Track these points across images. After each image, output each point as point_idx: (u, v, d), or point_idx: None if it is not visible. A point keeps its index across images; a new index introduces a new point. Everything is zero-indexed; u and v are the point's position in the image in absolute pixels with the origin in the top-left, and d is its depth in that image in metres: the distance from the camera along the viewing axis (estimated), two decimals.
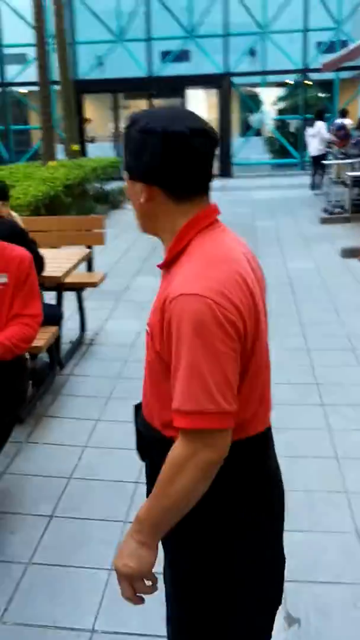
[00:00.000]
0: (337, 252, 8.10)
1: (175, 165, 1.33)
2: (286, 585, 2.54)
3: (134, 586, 1.37)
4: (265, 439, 1.49)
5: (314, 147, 12.92)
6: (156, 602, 2.23)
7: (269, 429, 1.51)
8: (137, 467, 3.31)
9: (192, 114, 1.39)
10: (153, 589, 1.39)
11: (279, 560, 1.60)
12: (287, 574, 2.58)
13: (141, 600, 1.40)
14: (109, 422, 3.86)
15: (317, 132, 12.75)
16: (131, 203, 1.46)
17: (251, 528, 1.46)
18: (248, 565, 1.47)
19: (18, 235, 3.60)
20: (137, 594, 1.38)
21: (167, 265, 1.42)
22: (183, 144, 1.32)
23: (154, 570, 1.37)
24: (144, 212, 1.44)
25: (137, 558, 1.34)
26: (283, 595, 2.44)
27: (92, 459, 3.45)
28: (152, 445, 1.49)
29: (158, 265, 1.46)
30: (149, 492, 1.46)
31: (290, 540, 2.81)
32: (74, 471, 3.33)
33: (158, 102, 20.14)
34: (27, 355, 3.29)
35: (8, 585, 2.52)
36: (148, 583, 1.38)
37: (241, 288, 1.31)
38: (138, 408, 1.59)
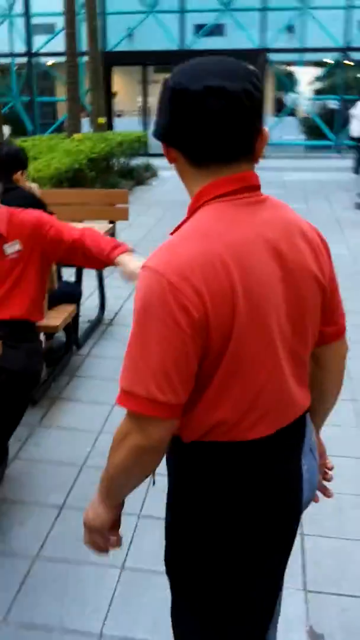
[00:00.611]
0: None
1: (185, 126, 1.18)
2: (310, 596, 2.39)
3: (92, 537, 1.40)
4: (264, 448, 1.29)
5: (356, 127, 12.44)
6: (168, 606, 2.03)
7: (271, 439, 1.30)
8: None
9: (229, 70, 1.18)
10: (114, 545, 1.42)
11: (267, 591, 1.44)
12: (311, 584, 2.42)
13: (101, 551, 1.44)
14: None
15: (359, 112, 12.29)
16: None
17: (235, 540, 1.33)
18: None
19: (34, 206, 3.43)
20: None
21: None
22: (191, 103, 1.15)
23: None
24: (178, 173, 1.30)
25: (94, 511, 1.38)
26: (306, 608, 2.26)
27: (107, 446, 3.25)
28: None
29: (170, 233, 1.28)
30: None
31: (315, 547, 2.66)
32: (87, 459, 3.16)
33: None
34: (43, 336, 3.12)
35: (13, 583, 2.35)
36: (112, 539, 1.40)
37: (216, 273, 1.13)
38: None
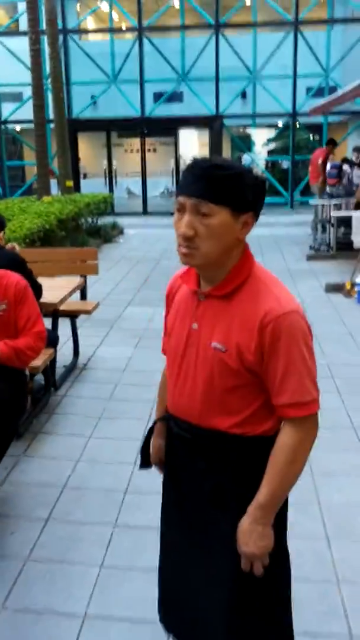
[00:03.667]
0: (321, 287, 8.47)
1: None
2: None
3: (263, 562, 1.68)
4: None
5: None
6: (141, 587, 2.55)
7: None
8: (125, 478, 3.60)
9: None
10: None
11: None
12: None
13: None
14: (100, 438, 4.12)
15: None
16: (213, 239, 1.60)
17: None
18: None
19: (19, 265, 3.90)
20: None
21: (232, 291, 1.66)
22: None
23: None
24: (231, 244, 1.64)
25: (268, 537, 1.66)
26: None
27: (84, 471, 3.71)
28: (208, 445, 1.73)
29: (214, 293, 1.68)
30: (201, 488, 1.75)
31: None
32: (67, 481, 3.58)
33: (150, 141, 20.80)
34: (27, 372, 3.57)
35: (8, 578, 2.76)
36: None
37: None
38: (174, 421, 1.82)
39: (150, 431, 1.98)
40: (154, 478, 3.60)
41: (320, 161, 12.66)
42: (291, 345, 1.59)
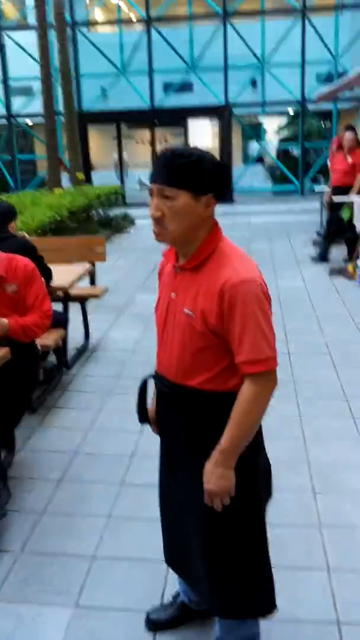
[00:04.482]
0: (325, 271, 8.73)
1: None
2: None
3: (223, 500, 1.92)
4: None
5: None
6: (144, 533, 2.89)
7: None
8: (132, 444, 3.92)
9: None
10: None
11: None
12: None
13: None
14: (110, 411, 4.46)
15: None
16: (178, 219, 1.84)
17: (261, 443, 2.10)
18: (261, 473, 2.10)
19: (29, 251, 4.22)
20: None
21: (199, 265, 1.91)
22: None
23: None
24: (195, 223, 1.89)
25: (227, 478, 1.90)
26: None
27: (94, 439, 4.05)
28: (183, 400, 2.00)
29: (185, 266, 1.94)
30: (178, 435, 2.04)
31: None
32: (79, 448, 3.93)
33: (161, 132, 21.00)
34: (39, 348, 3.90)
35: (27, 528, 3.12)
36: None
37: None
38: (158, 378, 2.14)
39: (142, 389, 2.28)
40: (158, 443, 3.96)
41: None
42: (246, 310, 1.80)
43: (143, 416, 2.30)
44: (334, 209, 9.25)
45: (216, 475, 1.89)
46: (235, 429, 1.86)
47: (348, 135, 9.00)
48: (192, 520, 2.11)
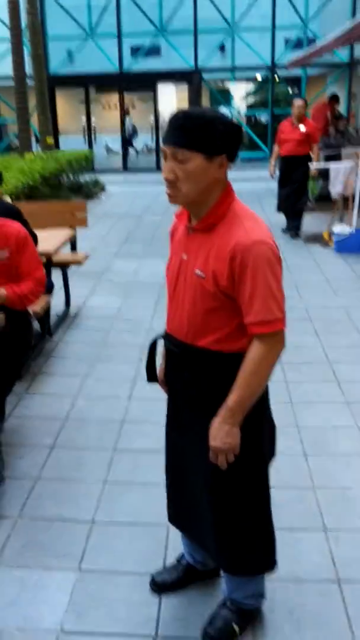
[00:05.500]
0: (300, 238, 8.76)
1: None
2: None
3: (228, 457, 1.95)
4: None
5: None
6: (141, 498, 2.90)
7: None
8: (121, 410, 3.92)
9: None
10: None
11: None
12: None
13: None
14: (97, 378, 4.44)
15: None
16: (191, 181, 1.83)
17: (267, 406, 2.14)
18: (266, 433, 2.13)
19: (15, 214, 4.13)
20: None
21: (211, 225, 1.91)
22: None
23: None
24: (209, 184, 1.88)
25: (233, 436, 1.92)
26: None
27: (83, 406, 4.03)
28: (191, 359, 2.02)
29: (198, 227, 1.93)
30: (185, 394, 2.08)
31: None
32: (68, 414, 3.91)
33: (129, 96, 20.64)
34: (32, 313, 3.84)
35: (21, 493, 3.11)
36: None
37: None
38: (167, 338, 2.12)
39: (151, 348, 2.27)
40: (149, 408, 3.97)
41: (329, 114, 12.57)
42: (257, 272, 1.81)
43: (152, 375, 2.31)
44: (284, 184, 9.11)
45: (222, 433, 1.92)
46: (242, 388, 1.89)
47: (299, 102, 8.62)
48: (199, 478, 2.14)
